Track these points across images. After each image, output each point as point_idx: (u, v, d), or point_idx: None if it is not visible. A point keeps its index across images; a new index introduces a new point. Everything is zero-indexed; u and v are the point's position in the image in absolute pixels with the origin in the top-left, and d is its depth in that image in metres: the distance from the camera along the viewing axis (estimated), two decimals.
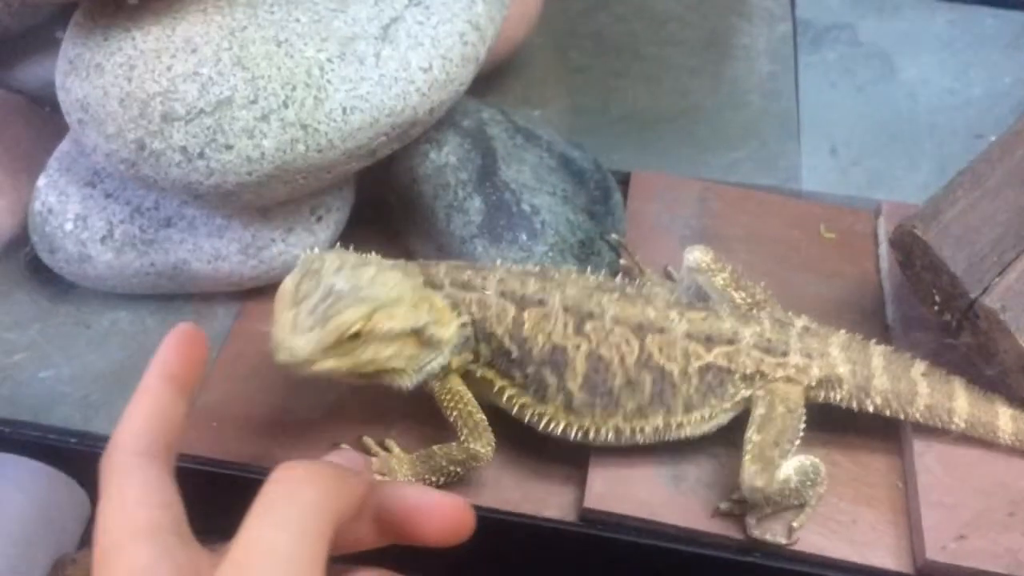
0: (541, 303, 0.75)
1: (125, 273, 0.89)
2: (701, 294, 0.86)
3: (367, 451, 0.82)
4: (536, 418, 0.77)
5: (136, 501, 0.47)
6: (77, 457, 0.84)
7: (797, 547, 0.77)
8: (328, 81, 0.79)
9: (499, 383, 0.77)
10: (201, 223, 0.88)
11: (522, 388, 0.77)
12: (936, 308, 0.83)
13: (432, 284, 0.75)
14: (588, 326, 0.75)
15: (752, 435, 0.76)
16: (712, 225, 1.02)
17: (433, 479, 0.79)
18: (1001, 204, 0.80)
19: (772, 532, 0.77)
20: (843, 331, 0.81)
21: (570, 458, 0.81)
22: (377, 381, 0.75)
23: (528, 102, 1.15)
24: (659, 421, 0.77)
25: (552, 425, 0.77)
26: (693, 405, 0.77)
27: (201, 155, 0.78)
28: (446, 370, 0.76)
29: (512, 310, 0.75)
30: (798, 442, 0.77)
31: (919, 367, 0.80)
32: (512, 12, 1.06)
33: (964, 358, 0.83)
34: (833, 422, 0.82)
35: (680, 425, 0.78)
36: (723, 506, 0.78)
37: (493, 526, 0.79)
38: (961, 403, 0.79)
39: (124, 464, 0.48)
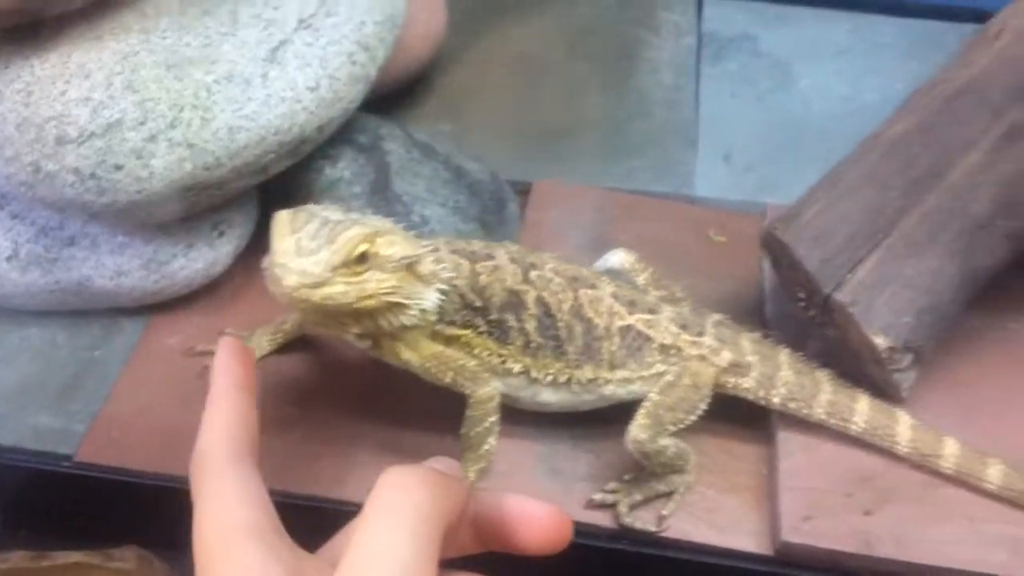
0: (490, 256, 0.81)
1: (32, 291, 0.93)
2: None
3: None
4: (497, 359, 0.81)
5: (236, 501, 0.47)
6: None
7: (665, 534, 0.81)
8: (215, 102, 0.84)
9: (463, 335, 0.81)
10: (103, 241, 0.92)
11: (486, 334, 0.81)
12: (802, 304, 0.88)
13: None
14: (533, 274, 0.81)
15: (653, 395, 0.81)
16: (607, 231, 1.06)
17: (487, 450, 0.82)
18: (855, 204, 0.85)
19: (642, 520, 0.81)
20: (756, 332, 0.86)
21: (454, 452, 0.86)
22: (377, 319, 0.74)
23: (440, 117, 1.20)
24: (591, 373, 0.82)
25: (511, 365, 0.81)
26: (616, 363, 0.82)
27: (93, 176, 0.82)
28: (418, 331, 0.78)
29: (466, 264, 0.80)
30: (692, 419, 0.81)
31: (821, 371, 0.84)
32: (415, 31, 1.12)
33: (829, 351, 0.87)
34: (706, 415, 0.87)
35: (607, 380, 0.83)
36: (597, 497, 0.82)
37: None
38: (862, 405, 0.83)
39: (217, 467, 0.49)
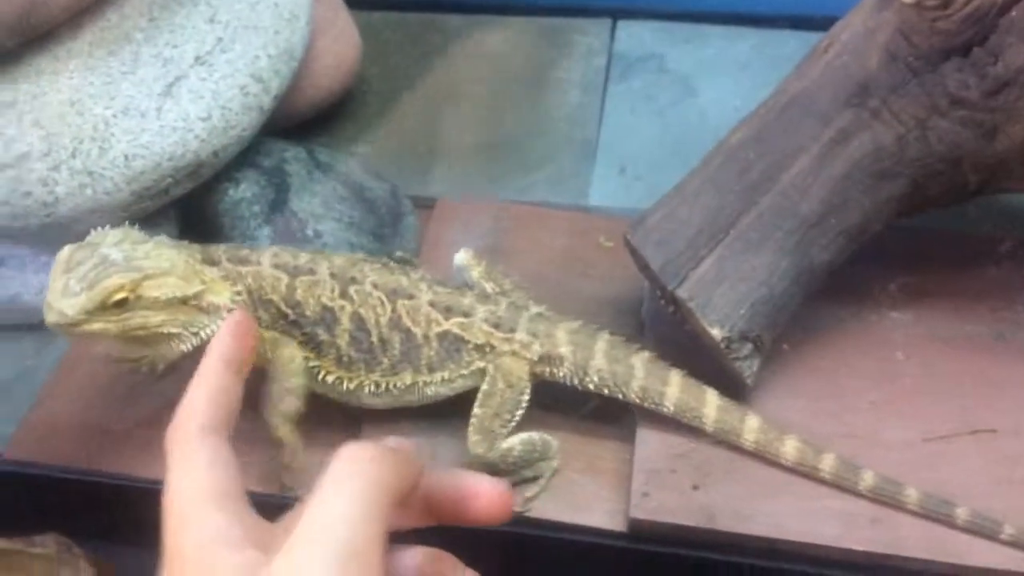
0: (311, 271, 0.88)
1: None
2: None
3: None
4: (315, 370, 0.89)
5: (205, 469, 0.48)
6: None
7: (528, 514, 0.88)
8: (112, 133, 0.93)
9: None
10: (29, 261, 1.01)
11: (301, 345, 0.89)
12: (662, 301, 0.95)
13: (210, 261, 0.86)
14: (351, 289, 0.88)
15: (476, 409, 0.88)
16: (502, 240, 1.14)
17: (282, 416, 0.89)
18: (697, 208, 0.92)
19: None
20: (577, 321, 0.93)
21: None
22: (155, 345, 0.84)
23: (355, 140, 1.29)
24: (409, 379, 0.90)
25: (326, 376, 0.89)
26: (435, 367, 0.90)
27: (7, 202, 0.92)
28: None
29: (285, 278, 0.87)
30: (520, 413, 0.88)
31: (643, 355, 0.91)
32: (326, 62, 1.21)
33: (693, 344, 0.94)
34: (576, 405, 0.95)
35: (427, 383, 0.90)
36: None
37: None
38: (673, 389, 0.90)
39: (190, 436, 0.50)
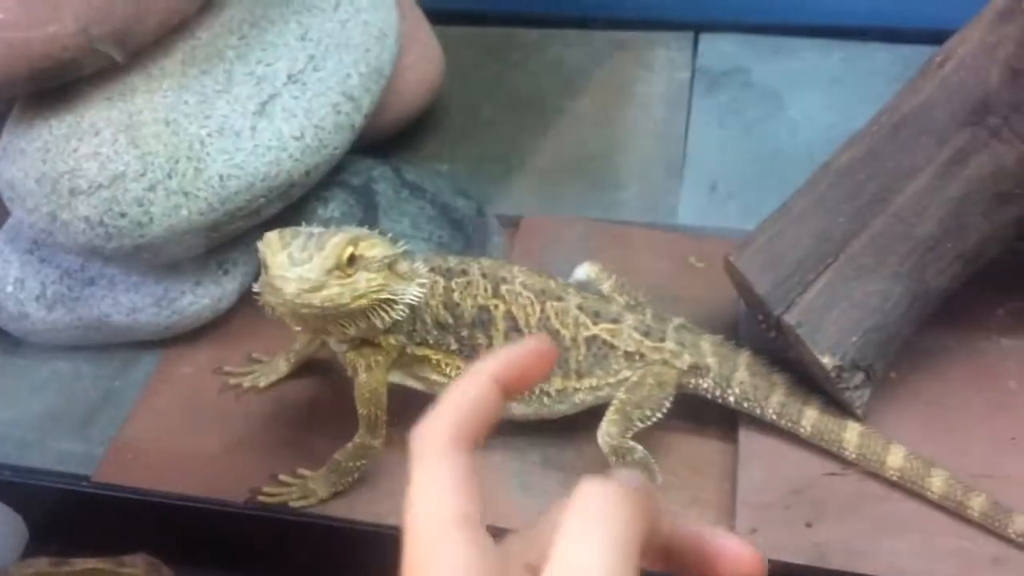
0: (464, 272, 0.87)
1: (57, 327, 1.02)
2: None
3: (283, 486, 0.91)
4: None
5: (452, 489, 0.45)
6: (13, 488, 0.97)
7: None
8: (207, 153, 0.92)
9: (434, 356, 0.88)
10: (119, 280, 1.01)
11: (456, 354, 0.88)
12: (763, 325, 0.92)
13: None
14: (503, 288, 0.87)
15: (621, 394, 0.87)
16: (590, 260, 1.11)
17: (347, 480, 0.89)
18: (805, 231, 0.89)
19: None
20: (718, 335, 0.91)
21: None
22: (367, 320, 0.80)
23: (438, 157, 1.27)
24: (559, 383, 0.88)
25: None
26: (583, 372, 0.88)
27: (101, 223, 0.91)
28: (389, 351, 0.85)
29: (442, 281, 0.87)
30: (659, 416, 0.87)
31: (784, 374, 0.89)
32: (411, 77, 1.20)
33: (795, 371, 0.91)
34: (674, 435, 0.92)
35: (576, 389, 0.88)
36: None
37: (360, 536, 0.90)
38: (812, 411, 0.87)
39: (439, 448, 0.47)
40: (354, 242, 0.77)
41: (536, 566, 0.40)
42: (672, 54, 1.42)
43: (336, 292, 0.76)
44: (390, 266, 0.80)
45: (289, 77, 0.98)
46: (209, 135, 0.93)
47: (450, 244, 1.03)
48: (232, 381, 1.01)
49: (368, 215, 1.03)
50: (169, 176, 0.91)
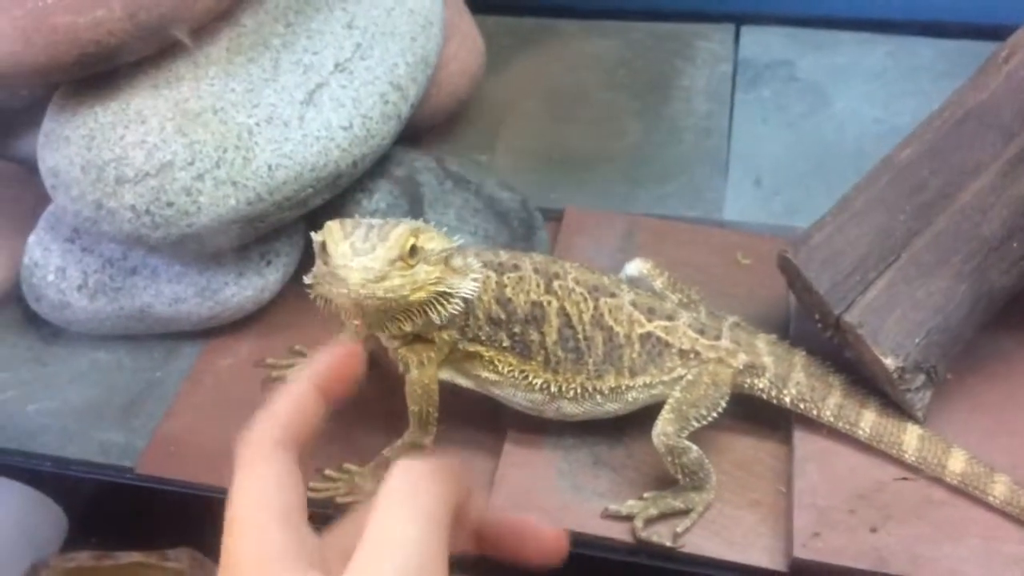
0: (516, 267, 0.86)
1: (99, 317, 1.01)
2: None
3: (330, 481, 0.90)
4: (519, 375, 0.86)
5: (273, 484, 0.48)
6: (54, 479, 0.96)
7: (681, 549, 0.84)
8: (256, 143, 0.91)
9: (487, 353, 0.86)
10: (162, 270, 0.99)
11: (508, 350, 0.86)
12: (819, 324, 0.90)
13: None
14: (555, 284, 0.86)
15: (677, 392, 0.85)
16: (635, 255, 1.08)
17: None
18: (865, 228, 0.87)
19: (659, 535, 0.84)
20: (772, 335, 0.90)
21: (480, 467, 0.91)
22: (424, 315, 0.79)
23: (478, 148, 1.25)
24: (612, 381, 0.86)
25: (533, 380, 0.86)
26: (637, 370, 0.86)
27: (147, 211, 0.90)
28: (442, 347, 0.84)
29: (494, 276, 0.85)
30: (714, 416, 0.85)
31: (840, 376, 0.88)
32: (453, 68, 1.18)
33: (850, 371, 0.89)
34: (726, 434, 0.90)
35: (629, 387, 0.87)
36: (612, 507, 0.86)
37: None
38: (871, 413, 0.86)
39: (262, 449, 0.50)
40: (415, 233, 0.76)
41: (353, 549, 0.42)
42: (714, 47, 1.40)
43: (398, 283, 0.74)
44: (446, 260, 0.78)
45: (336, 66, 0.96)
46: (257, 124, 0.92)
47: (495, 237, 1.02)
48: (275, 373, 1.00)
49: (413, 207, 1.01)
50: (217, 165, 0.90)
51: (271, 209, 0.93)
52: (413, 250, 0.75)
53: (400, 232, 0.75)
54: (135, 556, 0.90)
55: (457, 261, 0.80)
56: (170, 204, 0.89)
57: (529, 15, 1.47)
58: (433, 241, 0.77)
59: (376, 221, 0.77)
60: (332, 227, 0.76)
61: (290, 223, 1.00)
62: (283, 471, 0.49)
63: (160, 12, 0.90)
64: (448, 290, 0.78)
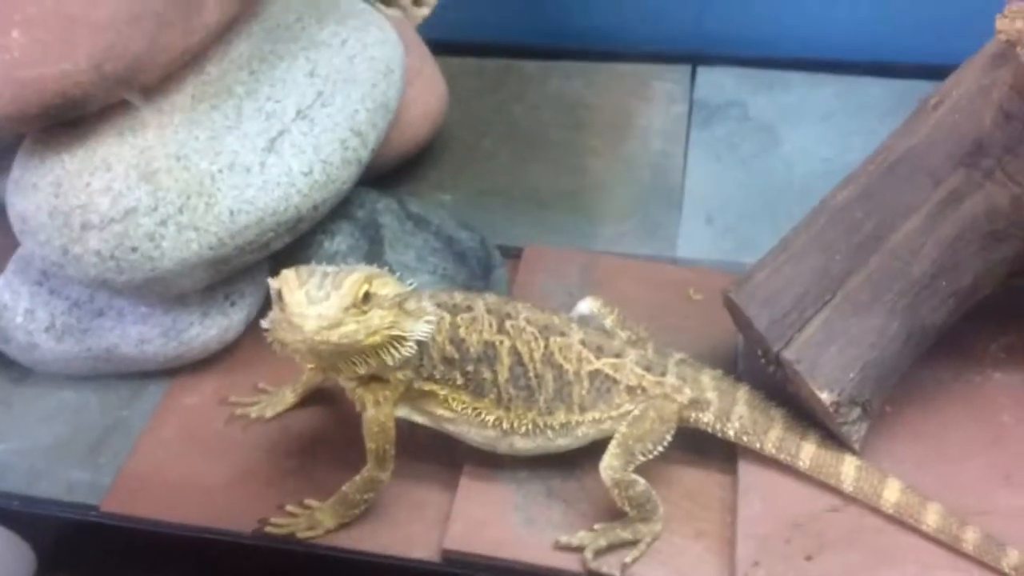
0: (469, 308, 0.89)
1: (66, 358, 1.03)
2: None
3: (291, 517, 0.92)
4: (472, 412, 0.89)
5: None
6: (23, 517, 0.98)
7: None
8: (218, 189, 0.94)
9: (441, 391, 0.89)
10: (128, 312, 1.02)
11: (462, 388, 0.89)
12: (762, 360, 0.94)
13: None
14: (508, 324, 0.89)
15: (623, 428, 0.88)
16: (591, 292, 1.12)
17: (354, 513, 0.91)
18: (803, 267, 0.91)
19: (608, 565, 0.87)
20: (718, 369, 0.93)
21: (437, 500, 0.93)
22: (379, 357, 0.81)
23: (440, 187, 1.29)
24: (563, 417, 0.89)
25: (486, 417, 0.89)
26: (586, 406, 0.90)
27: (112, 256, 0.93)
28: (397, 387, 0.87)
29: (448, 317, 0.88)
30: (659, 450, 0.89)
31: (782, 409, 0.92)
32: (415, 111, 1.22)
33: (792, 406, 0.93)
34: (674, 464, 0.93)
35: (579, 423, 0.90)
36: (563, 539, 0.88)
37: (365, 567, 0.91)
38: (811, 445, 0.89)
39: None
40: (368, 280, 0.79)
41: None
42: (670, 87, 1.45)
43: (352, 329, 0.77)
44: (400, 304, 0.82)
45: (298, 113, 1.00)
46: (220, 171, 0.95)
47: (454, 276, 1.05)
48: (239, 411, 1.03)
49: (373, 248, 1.05)
50: (180, 211, 0.93)
51: (233, 253, 0.96)
52: (367, 296, 0.78)
53: (354, 279, 0.78)
54: None
55: (411, 304, 0.83)
56: (134, 249, 0.92)
57: (492, 56, 1.52)
58: (387, 287, 0.80)
59: (331, 268, 0.80)
60: (288, 275, 0.79)
61: (253, 264, 1.03)
62: None
63: (125, 63, 0.92)
64: (401, 333, 0.81)
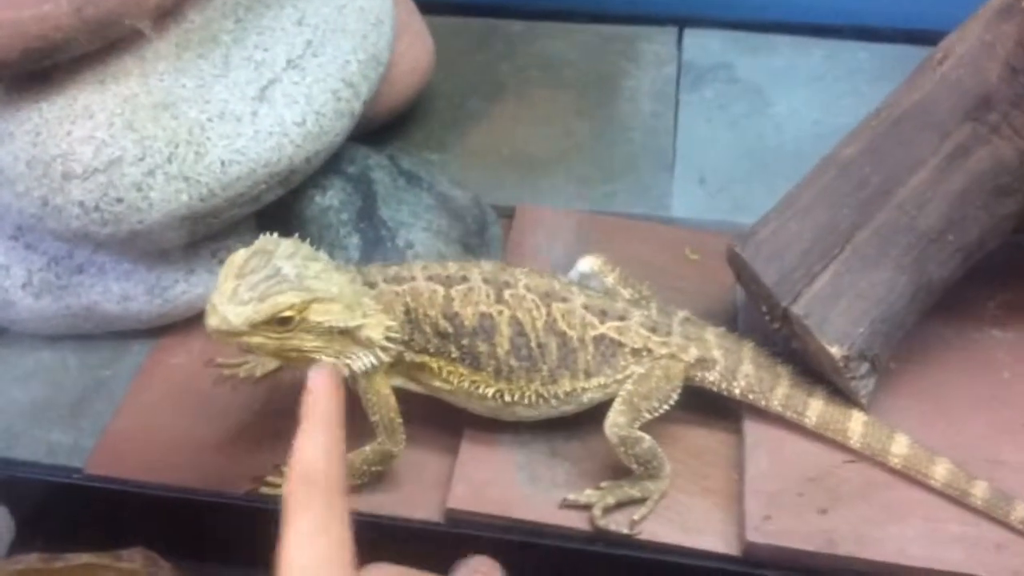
0: (464, 279, 0.85)
1: (44, 315, 0.99)
2: None
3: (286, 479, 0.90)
4: (470, 385, 0.86)
5: (322, 535, 0.52)
6: (0, 481, 0.94)
7: (637, 536, 0.85)
8: (208, 138, 0.90)
9: (435, 364, 0.86)
10: (110, 268, 0.98)
11: (458, 361, 0.86)
12: (767, 318, 0.92)
13: (370, 284, 0.83)
14: (506, 293, 0.85)
15: (629, 385, 0.86)
16: (586, 252, 1.10)
17: (357, 483, 0.88)
18: (810, 222, 0.90)
19: (616, 523, 0.86)
20: (720, 327, 0.92)
21: (438, 463, 0.91)
22: (303, 366, 0.77)
23: (427, 146, 1.26)
24: (568, 385, 0.87)
25: (485, 390, 0.86)
26: (592, 372, 0.87)
27: (96, 208, 0.88)
28: (375, 368, 0.83)
29: (441, 290, 0.84)
30: (665, 408, 0.87)
31: (788, 366, 0.90)
32: (403, 67, 1.18)
33: (796, 362, 0.92)
34: (680, 422, 0.92)
35: (584, 389, 0.87)
36: (571, 497, 0.87)
37: (364, 527, 0.89)
38: (818, 401, 0.88)
39: (321, 499, 0.54)
40: (302, 307, 0.75)
41: None
42: (657, 48, 1.43)
43: (257, 342, 0.75)
44: (350, 333, 0.78)
45: (288, 62, 0.96)
46: (209, 119, 0.91)
47: (449, 232, 1.03)
48: (227, 372, 0.99)
49: (367, 204, 1.02)
50: (169, 160, 0.89)
51: (224, 205, 0.92)
52: (286, 320, 0.75)
53: (280, 301, 0.74)
54: (85, 557, 0.88)
55: (364, 334, 0.79)
56: (120, 200, 0.88)
57: (476, 15, 1.48)
58: (327, 315, 0.76)
59: (287, 270, 0.75)
60: (234, 260, 0.76)
61: (241, 220, 0.99)
62: (327, 518, 0.54)
63: (108, 7, 0.88)
64: (328, 358, 0.78)
